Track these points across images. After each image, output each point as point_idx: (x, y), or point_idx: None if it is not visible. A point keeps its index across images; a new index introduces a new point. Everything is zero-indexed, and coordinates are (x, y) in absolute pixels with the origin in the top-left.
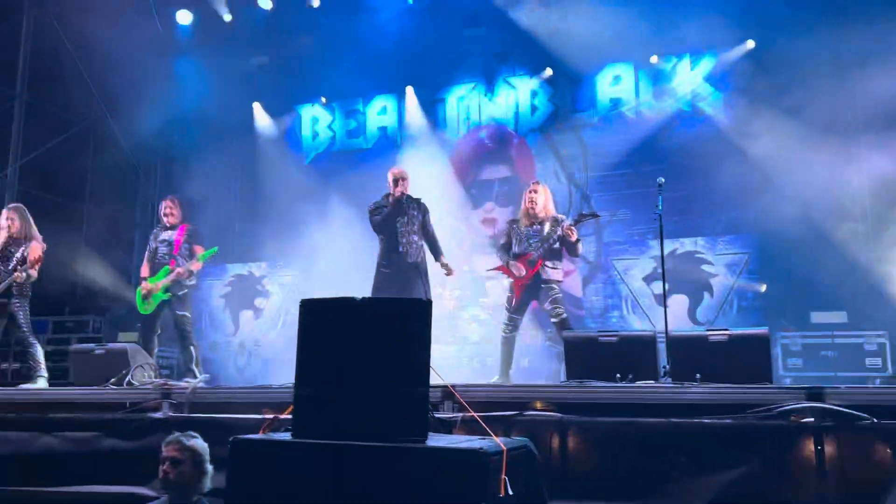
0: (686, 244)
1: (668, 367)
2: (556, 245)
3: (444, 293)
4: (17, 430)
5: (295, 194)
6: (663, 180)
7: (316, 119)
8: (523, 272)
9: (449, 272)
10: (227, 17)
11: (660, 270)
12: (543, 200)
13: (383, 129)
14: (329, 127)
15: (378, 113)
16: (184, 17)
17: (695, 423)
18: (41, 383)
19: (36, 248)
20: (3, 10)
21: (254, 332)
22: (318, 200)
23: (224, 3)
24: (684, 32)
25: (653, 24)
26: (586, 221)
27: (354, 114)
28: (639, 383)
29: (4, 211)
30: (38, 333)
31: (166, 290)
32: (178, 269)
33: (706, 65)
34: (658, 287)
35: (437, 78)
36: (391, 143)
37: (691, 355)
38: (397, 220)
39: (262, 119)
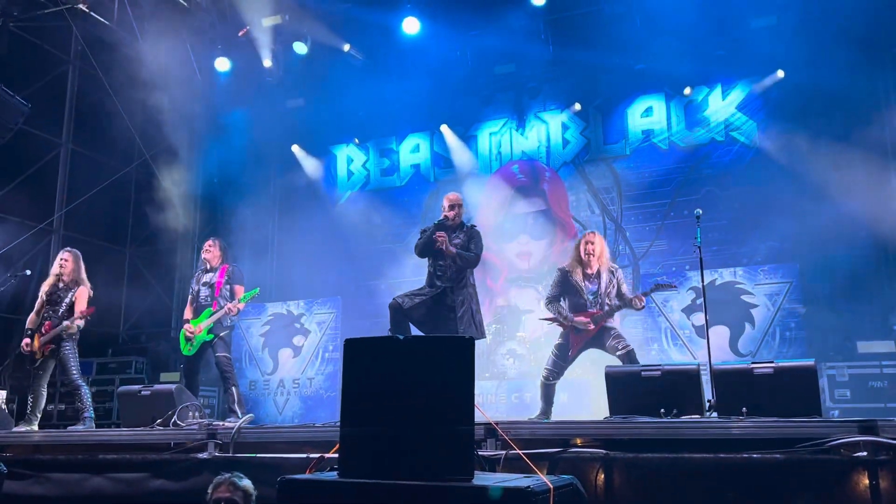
0: (725, 274)
1: (713, 401)
2: (615, 302)
3: None
4: (68, 471)
5: (331, 233)
6: (701, 212)
7: (350, 159)
8: (590, 328)
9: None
10: (268, 63)
11: (699, 301)
12: (600, 251)
13: (416, 166)
14: (363, 166)
15: (411, 151)
16: (222, 65)
17: (743, 458)
18: (89, 424)
19: (83, 295)
20: (51, 62)
21: (292, 371)
22: (354, 238)
23: (269, 50)
24: (715, 62)
25: (682, 55)
26: (660, 292)
27: (388, 153)
28: (684, 418)
29: (60, 253)
30: (84, 375)
31: (209, 331)
32: (227, 307)
33: (738, 94)
34: (697, 319)
35: (468, 115)
36: (424, 180)
37: (736, 389)
38: (440, 249)
39: (299, 160)
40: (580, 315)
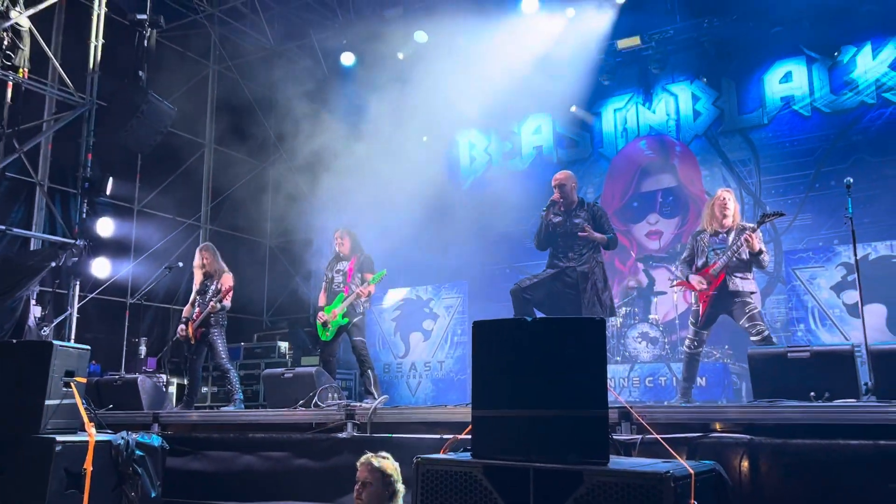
0: (880, 248)
1: (870, 383)
2: (745, 255)
3: None
4: (222, 449)
5: (455, 218)
6: (851, 180)
7: (472, 144)
8: (705, 285)
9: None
10: (401, 56)
11: (850, 278)
12: (734, 208)
13: (538, 148)
14: (485, 151)
15: (532, 132)
16: (347, 59)
17: None
18: (238, 405)
19: (227, 279)
20: (193, 67)
21: (423, 354)
22: (478, 223)
23: (407, 45)
24: (862, 19)
25: (823, 14)
26: (770, 222)
27: (509, 135)
28: (837, 402)
29: (197, 251)
30: (233, 359)
31: (343, 315)
32: (358, 290)
33: (891, 52)
34: (849, 297)
35: (591, 92)
36: (546, 162)
37: None
38: (557, 230)
39: (423, 148)
40: (698, 274)
